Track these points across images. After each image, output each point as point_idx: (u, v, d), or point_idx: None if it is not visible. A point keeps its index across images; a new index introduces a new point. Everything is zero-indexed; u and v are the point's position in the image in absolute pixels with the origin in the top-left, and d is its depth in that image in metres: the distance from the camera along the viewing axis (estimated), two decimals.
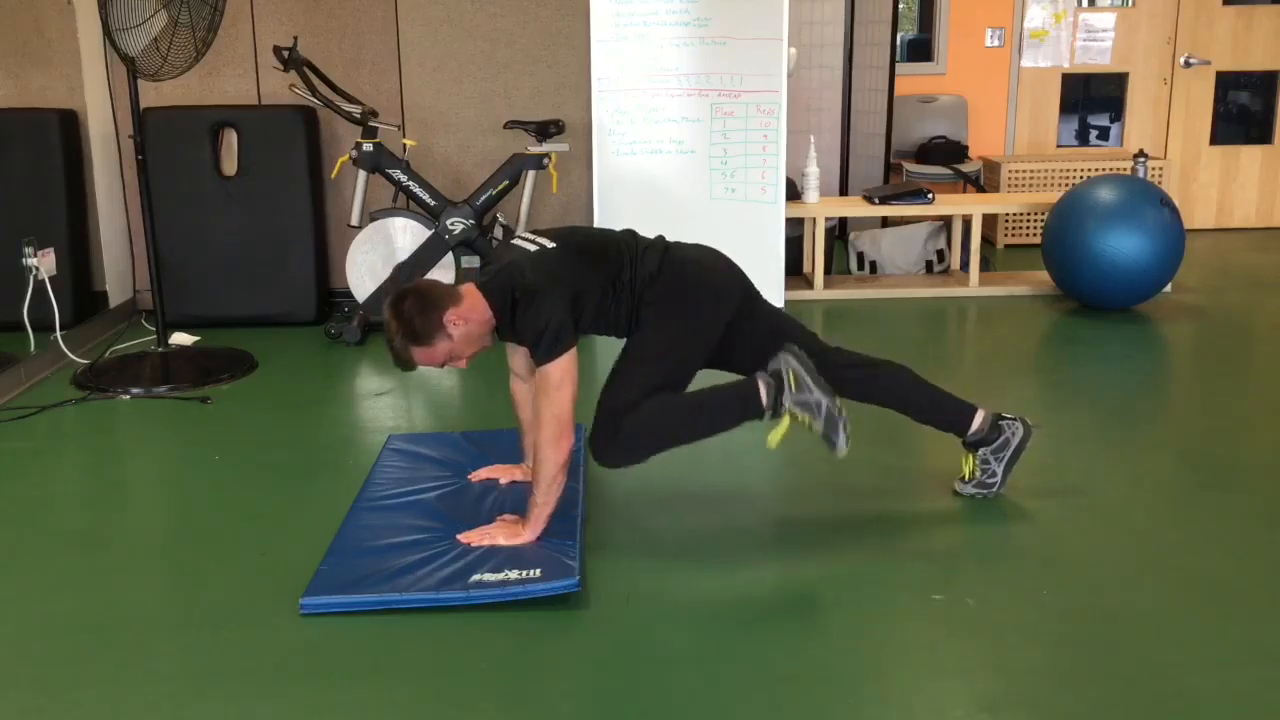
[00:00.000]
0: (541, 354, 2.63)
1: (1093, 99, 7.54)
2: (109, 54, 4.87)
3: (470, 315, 2.70)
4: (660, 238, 2.94)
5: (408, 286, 2.77)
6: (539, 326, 2.62)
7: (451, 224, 4.88)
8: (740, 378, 2.86)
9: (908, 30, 7.57)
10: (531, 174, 4.95)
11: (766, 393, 2.73)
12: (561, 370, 2.63)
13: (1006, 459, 3.02)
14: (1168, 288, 5.24)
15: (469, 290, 2.75)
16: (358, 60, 5.27)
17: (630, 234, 2.92)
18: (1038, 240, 5.57)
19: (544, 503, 2.71)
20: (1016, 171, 6.91)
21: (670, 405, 2.78)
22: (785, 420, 2.76)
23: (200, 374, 4.33)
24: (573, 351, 2.66)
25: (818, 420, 2.72)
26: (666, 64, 5.11)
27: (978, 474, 3.04)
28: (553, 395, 2.63)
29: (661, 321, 2.80)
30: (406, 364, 2.74)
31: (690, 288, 2.83)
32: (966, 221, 5.73)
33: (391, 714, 2.14)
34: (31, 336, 4.42)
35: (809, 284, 5.60)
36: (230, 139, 5.12)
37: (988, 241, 6.26)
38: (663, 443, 2.80)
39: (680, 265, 2.84)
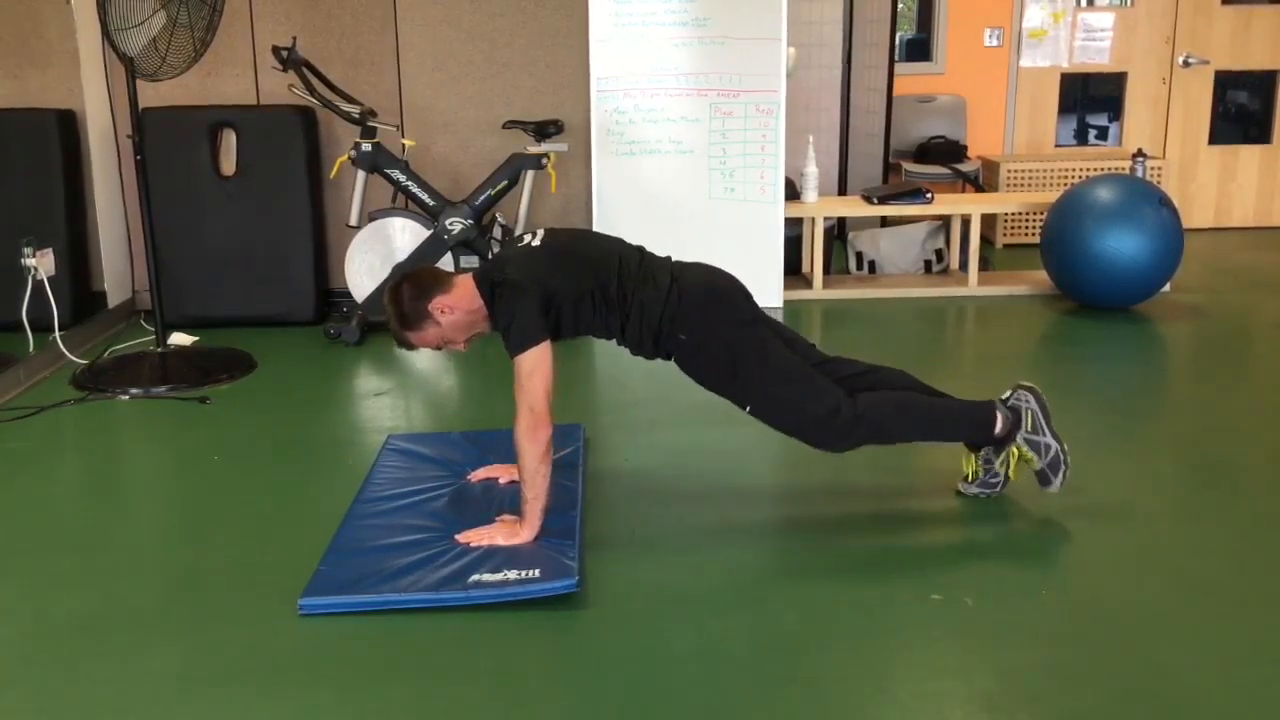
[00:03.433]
0: (511, 346, 2.71)
1: (1091, 98, 7.53)
2: (107, 54, 4.89)
3: (459, 304, 2.81)
4: (668, 258, 2.97)
5: (408, 272, 2.94)
6: (507, 320, 2.71)
7: (450, 224, 4.88)
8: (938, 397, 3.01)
9: (906, 30, 7.56)
10: (530, 174, 4.94)
11: (1003, 425, 2.92)
12: (532, 361, 2.68)
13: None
14: (1166, 287, 5.23)
15: (463, 280, 2.87)
16: (356, 60, 5.27)
17: (638, 250, 2.94)
18: (1036, 240, 5.56)
19: (533, 497, 2.72)
20: (1015, 171, 6.90)
21: (910, 403, 2.95)
22: (1010, 452, 2.96)
23: (199, 374, 4.32)
24: (544, 345, 2.70)
25: (1042, 460, 2.93)
26: (665, 64, 5.11)
27: (980, 473, 3.04)
28: (524, 385, 2.68)
29: (736, 354, 2.83)
30: (405, 345, 2.92)
31: (710, 305, 2.85)
32: (965, 221, 5.73)
33: (391, 714, 2.14)
34: (30, 337, 4.42)
35: (808, 284, 5.60)
36: (229, 139, 5.12)
37: (986, 241, 6.26)
38: (894, 434, 2.96)
39: (692, 283, 2.86)
